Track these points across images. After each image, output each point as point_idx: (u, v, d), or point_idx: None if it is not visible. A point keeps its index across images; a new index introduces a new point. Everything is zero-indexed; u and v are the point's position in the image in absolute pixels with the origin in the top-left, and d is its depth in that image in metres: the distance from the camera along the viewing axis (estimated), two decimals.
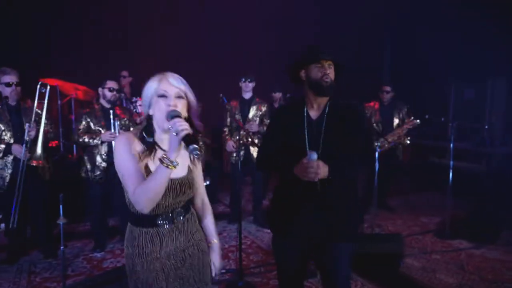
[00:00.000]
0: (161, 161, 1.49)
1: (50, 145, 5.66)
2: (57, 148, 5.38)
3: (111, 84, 4.00)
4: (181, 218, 1.75)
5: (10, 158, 3.63)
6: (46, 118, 3.77)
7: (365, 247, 3.58)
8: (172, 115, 1.52)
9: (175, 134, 1.47)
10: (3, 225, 3.89)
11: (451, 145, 4.45)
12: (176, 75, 1.65)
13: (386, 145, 4.69)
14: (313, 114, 2.19)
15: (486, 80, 7.41)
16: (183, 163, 1.74)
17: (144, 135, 1.65)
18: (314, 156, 1.95)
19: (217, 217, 5.32)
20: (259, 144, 4.81)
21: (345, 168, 2.12)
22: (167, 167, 1.48)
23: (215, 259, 1.92)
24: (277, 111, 2.50)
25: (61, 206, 2.95)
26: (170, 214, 1.71)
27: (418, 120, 4.72)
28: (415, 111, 5.17)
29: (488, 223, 4.45)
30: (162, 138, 1.67)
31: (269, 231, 4.62)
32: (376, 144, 4.19)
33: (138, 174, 1.57)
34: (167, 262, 1.70)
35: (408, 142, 4.82)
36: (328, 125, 2.14)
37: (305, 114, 2.18)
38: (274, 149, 2.24)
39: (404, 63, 8.10)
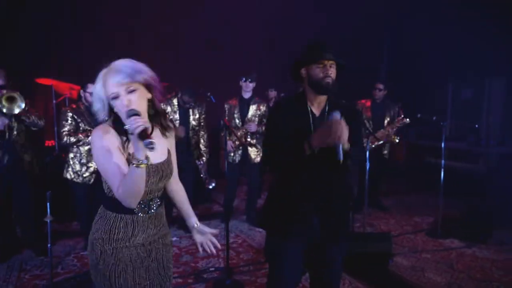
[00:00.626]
0: (130, 162, 1.50)
1: (46, 144, 5.77)
2: (53, 148, 5.44)
3: (92, 88, 3.94)
4: (155, 208, 1.76)
5: None
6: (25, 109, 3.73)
7: (354, 245, 3.59)
8: (129, 114, 1.52)
9: (131, 133, 1.47)
10: None
11: (443, 144, 4.44)
12: (117, 67, 1.58)
13: (376, 143, 4.67)
14: (315, 111, 2.20)
15: (484, 80, 7.37)
16: (163, 147, 1.76)
17: (118, 125, 1.62)
18: (338, 114, 1.92)
19: (211, 216, 5.39)
20: (256, 144, 4.82)
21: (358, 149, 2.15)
22: (137, 167, 1.49)
23: (209, 236, 1.95)
24: (278, 106, 2.38)
25: (48, 204, 2.97)
26: (149, 202, 1.73)
27: (407, 119, 4.71)
28: (413, 111, 5.14)
29: (481, 222, 4.43)
30: None
31: (261, 230, 4.69)
32: (366, 140, 4.18)
33: (119, 171, 1.56)
34: (134, 251, 1.71)
35: (398, 140, 4.81)
36: None
37: (309, 109, 2.18)
38: (279, 144, 2.16)
39: (403, 62, 8.08)
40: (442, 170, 4.48)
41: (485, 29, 6.36)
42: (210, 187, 4.62)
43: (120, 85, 1.56)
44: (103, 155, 1.59)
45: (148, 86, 1.64)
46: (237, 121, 4.85)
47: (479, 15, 6.35)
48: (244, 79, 4.80)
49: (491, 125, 7.14)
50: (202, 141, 4.73)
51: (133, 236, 1.70)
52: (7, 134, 3.62)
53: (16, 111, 3.56)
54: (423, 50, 7.40)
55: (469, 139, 6.85)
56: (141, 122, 1.47)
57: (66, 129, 3.87)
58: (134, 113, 1.51)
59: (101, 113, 1.65)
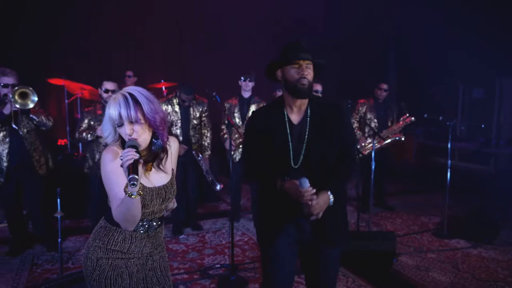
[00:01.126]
0: (125, 191, 1.52)
1: (58, 143, 5.91)
2: (65, 147, 5.57)
3: (107, 85, 4.00)
4: (155, 228, 1.81)
5: (6, 151, 3.76)
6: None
7: (358, 244, 3.62)
8: (126, 145, 1.56)
9: (121, 166, 1.49)
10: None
11: (449, 144, 4.44)
12: (122, 98, 1.60)
13: (382, 142, 4.67)
14: (294, 118, 2.10)
15: (495, 79, 7.30)
16: (168, 170, 1.79)
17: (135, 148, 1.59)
18: (306, 183, 1.90)
19: (219, 214, 5.46)
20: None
21: (341, 181, 2.11)
22: (130, 196, 1.51)
23: None
24: (254, 115, 2.22)
25: (58, 200, 3.07)
26: (150, 222, 1.77)
27: (413, 117, 4.70)
28: (422, 110, 5.12)
29: (487, 223, 4.42)
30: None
31: None
32: (370, 141, 4.18)
33: (118, 196, 1.60)
34: (130, 261, 1.76)
35: (403, 139, 4.79)
36: (312, 132, 2.06)
37: (286, 119, 2.08)
38: (259, 158, 2.11)
39: (412, 61, 8.04)
40: (449, 170, 4.48)
41: (496, 28, 6.31)
42: (218, 188, 4.63)
43: (123, 115, 1.60)
44: (108, 178, 1.65)
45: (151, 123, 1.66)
46: (237, 120, 4.91)
47: (490, 14, 6.31)
48: (243, 78, 4.86)
49: (502, 125, 7.07)
50: (205, 138, 4.75)
51: (128, 250, 1.75)
52: (12, 120, 3.67)
53: (31, 105, 3.65)
54: (434, 49, 7.36)
55: (479, 140, 6.80)
56: (131, 155, 1.48)
57: (80, 126, 4.10)
58: (130, 145, 1.55)
59: (110, 137, 1.69)
